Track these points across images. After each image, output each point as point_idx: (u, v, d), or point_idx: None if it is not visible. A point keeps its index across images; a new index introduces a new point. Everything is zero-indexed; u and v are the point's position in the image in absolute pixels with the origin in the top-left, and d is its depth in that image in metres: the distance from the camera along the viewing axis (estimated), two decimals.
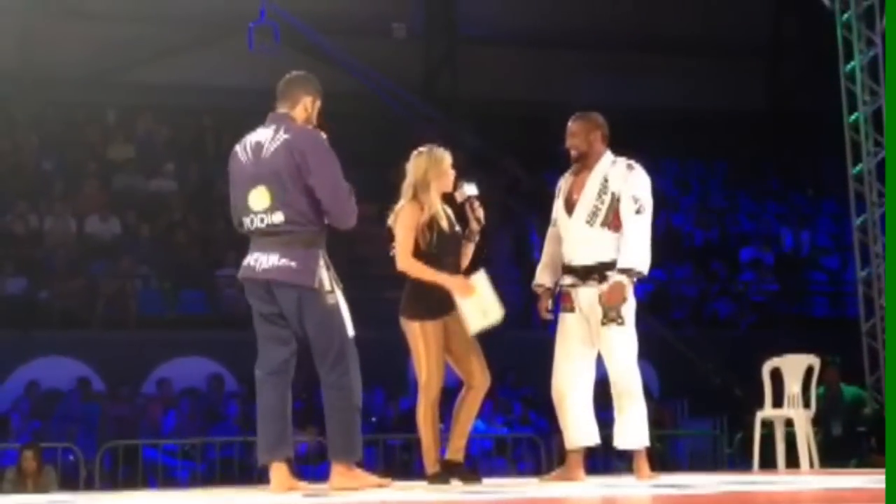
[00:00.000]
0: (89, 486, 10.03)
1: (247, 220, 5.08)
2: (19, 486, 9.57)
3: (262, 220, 5.03)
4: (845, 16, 11.69)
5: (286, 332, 5.08)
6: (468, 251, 5.71)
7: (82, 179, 14.41)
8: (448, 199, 5.73)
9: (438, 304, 5.56)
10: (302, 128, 5.10)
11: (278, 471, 5.07)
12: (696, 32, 17.34)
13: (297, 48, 14.59)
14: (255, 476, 10.40)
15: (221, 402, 12.40)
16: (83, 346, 12.49)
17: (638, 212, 5.58)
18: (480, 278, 5.52)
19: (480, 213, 5.67)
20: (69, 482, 10.05)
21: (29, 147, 14.91)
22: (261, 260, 5.03)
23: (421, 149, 5.71)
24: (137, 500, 6.13)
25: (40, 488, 9.43)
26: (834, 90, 11.89)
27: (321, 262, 5.03)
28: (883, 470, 7.95)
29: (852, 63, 11.67)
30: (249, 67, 14.94)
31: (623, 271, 5.54)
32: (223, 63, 15.57)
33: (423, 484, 5.55)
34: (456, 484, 5.54)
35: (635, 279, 5.60)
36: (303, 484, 5.25)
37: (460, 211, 5.73)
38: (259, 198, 5.02)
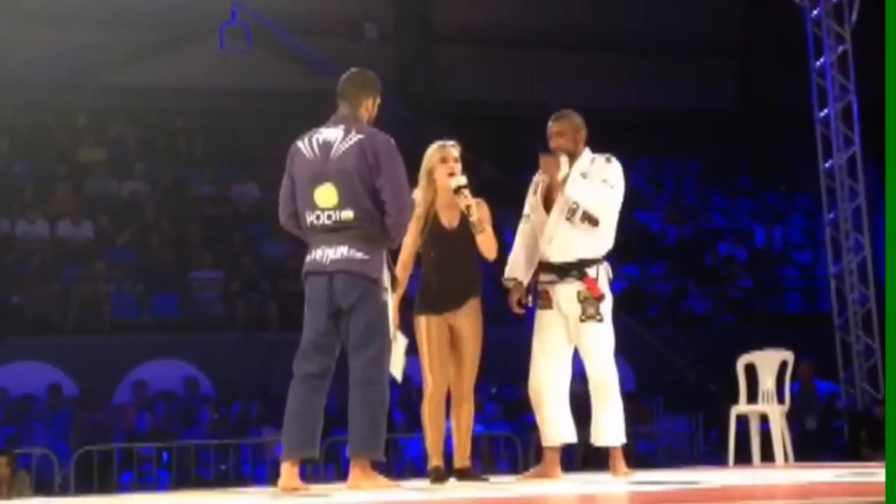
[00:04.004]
0: (64, 491, 9.98)
1: (311, 217, 5.10)
2: None
3: (329, 217, 5.05)
4: (815, 13, 11.76)
5: (336, 338, 5.10)
6: (481, 243, 5.59)
7: (54, 183, 14.31)
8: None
9: (442, 301, 5.58)
10: (375, 131, 5.18)
11: (288, 470, 5.08)
12: (667, 31, 17.41)
13: (268, 49, 14.55)
14: (230, 480, 10.39)
15: (197, 406, 12.35)
16: (56, 351, 12.40)
17: (604, 182, 5.61)
18: (402, 341, 5.51)
19: (467, 202, 5.53)
20: (44, 488, 9.99)
21: None
22: (328, 253, 5.05)
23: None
24: None
25: (15, 494, 9.36)
26: (805, 87, 11.98)
27: (385, 260, 5.11)
28: (860, 463, 8.03)
29: (822, 60, 11.74)
30: (221, 68, 14.88)
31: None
32: (194, 64, 15.49)
33: (424, 485, 5.57)
34: (455, 483, 5.56)
35: (608, 274, 5.64)
36: (304, 486, 5.25)
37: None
38: (326, 195, 5.05)
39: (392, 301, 5.27)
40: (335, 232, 5.04)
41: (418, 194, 5.61)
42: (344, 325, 5.06)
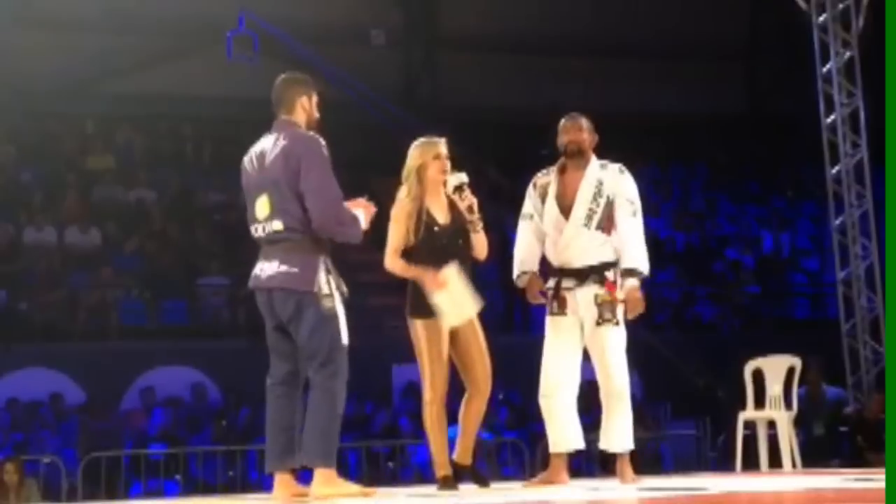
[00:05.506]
0: (72, 497, 9.98)
1: (253, 229, 5.16)
2: (1, 500, 9.52)
3: (264, 229, 5.08)
4: (821, 18, 11.75)
5: (290, 344, 5.09)
6: (475, 242, 5.57)
7: (62, 190, 14.36)
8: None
9: None
10: (300, 133, 5.10)
11: (282, 480, 5.06)
12: (674, 36, 17.42)
13: (275, 57, 14.58)
14: (237, 486, 10.40)
15: (204, 412, 12.36)
16: (64, 357, 12.43)
17: (634, 214, 5.65)
18: (451, 272, 5.40)
19: (469, 201, 5.52)
20: (51, 494, 10.00)
21: (7, 158, 14.84)
22: (265, 269, 5.10)
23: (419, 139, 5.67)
24: None
25: (23, 501, 9.38)
26: (811, 92, 11.96)
27: (321, 268, 5.03)
28: (867, 469, 8.01)
29: (829, 65, 11.73)
30: (228, 76, 14.94)
31: (629, 272, 5.56)
32: (202, 72, 15.54)
33: (405, 491, 5.54)
34: (466, 488, 5.53)
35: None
36: (308, 490, 5.21)
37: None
38: (262, 206, 5.06)
39: (414, 272, 5.38)
40: (271, 245, 5.07)
41: (405, 193, 5.56)
42: (294, 337, 5.05)
